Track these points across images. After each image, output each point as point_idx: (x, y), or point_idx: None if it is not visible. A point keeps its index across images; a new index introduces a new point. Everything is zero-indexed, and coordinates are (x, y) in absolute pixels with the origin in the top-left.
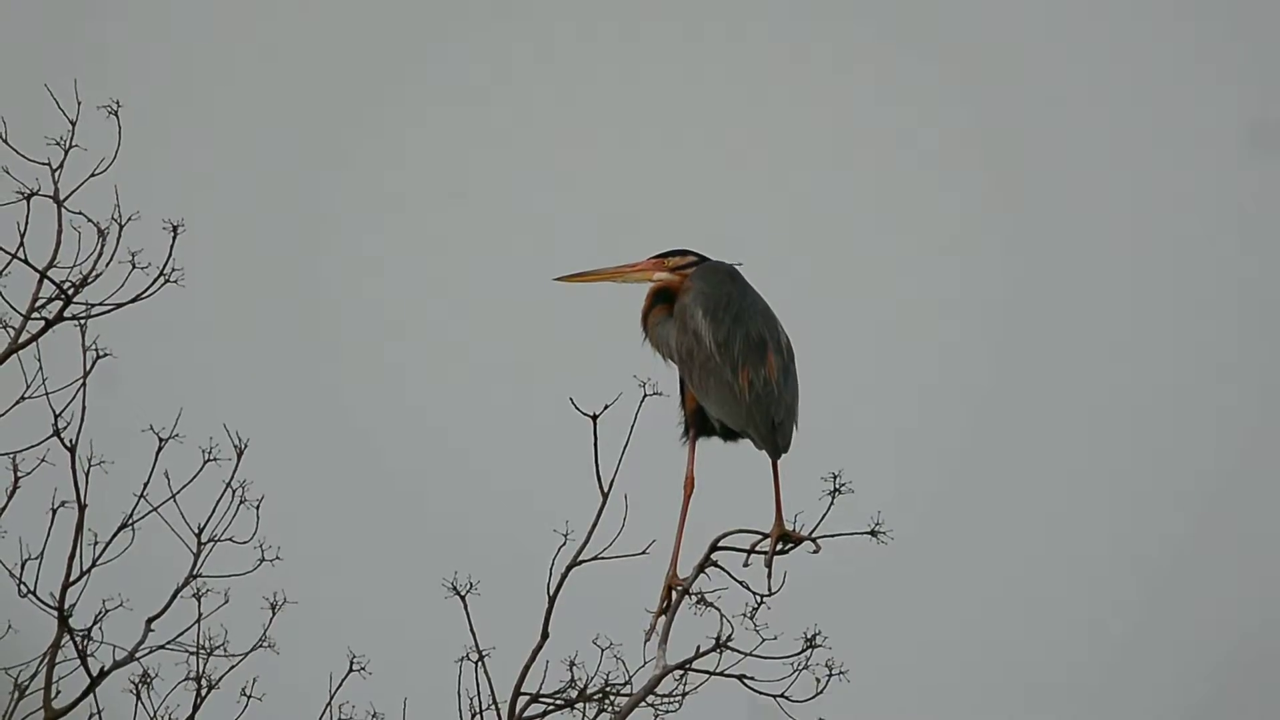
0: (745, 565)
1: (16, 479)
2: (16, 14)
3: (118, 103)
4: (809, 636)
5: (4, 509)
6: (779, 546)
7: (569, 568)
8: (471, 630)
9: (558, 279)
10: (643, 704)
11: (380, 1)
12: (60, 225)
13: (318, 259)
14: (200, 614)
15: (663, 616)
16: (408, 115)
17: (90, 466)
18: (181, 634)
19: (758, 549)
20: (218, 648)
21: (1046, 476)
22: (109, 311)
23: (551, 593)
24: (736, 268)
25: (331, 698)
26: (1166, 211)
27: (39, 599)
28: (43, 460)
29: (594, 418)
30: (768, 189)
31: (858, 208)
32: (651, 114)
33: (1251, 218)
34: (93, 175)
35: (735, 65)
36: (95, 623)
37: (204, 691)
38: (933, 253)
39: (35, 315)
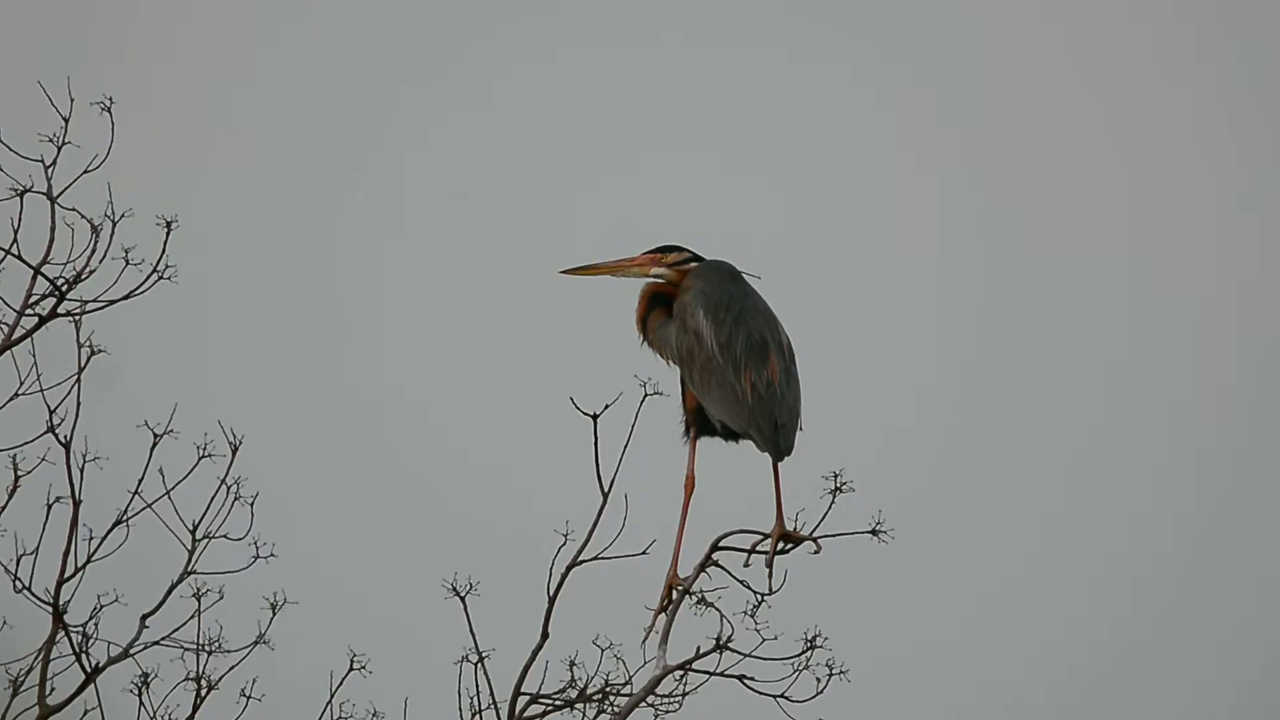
0: (746, 565)
1: (17, 477)
2: (9, 11)
3: (110, 99)
4: (809, 637)
5: (4, 507)
6: (780, 546)
7: (569, 568)
8: (471, 631)
9: (563, 271)
10: (643, 704)
11: (380, 0)
12: (54, 222)
13: (314, 255)
14: (200, 609)
15: (663, 616)
16: (408, 115)
17: (85, 463)
18: (176, 630)
19: (758, 549)
20: (214, 642)
21: (1047, 476)
22: (103, 308)
23: (551, 593)
24: (745, 275)
25: (332, 697)
26: (1168, 213)
27: (34, 595)
28: (43, 459)
29: (595, 417)
30: (768, 188)
31: (858, 207)
32: (650, 114)
33: (1253, 223)
34: (86, 172)
35: (734, 65)
36: (90, 619)
37: (204, 692)
38: (932, 252)
39: (29, 312)
